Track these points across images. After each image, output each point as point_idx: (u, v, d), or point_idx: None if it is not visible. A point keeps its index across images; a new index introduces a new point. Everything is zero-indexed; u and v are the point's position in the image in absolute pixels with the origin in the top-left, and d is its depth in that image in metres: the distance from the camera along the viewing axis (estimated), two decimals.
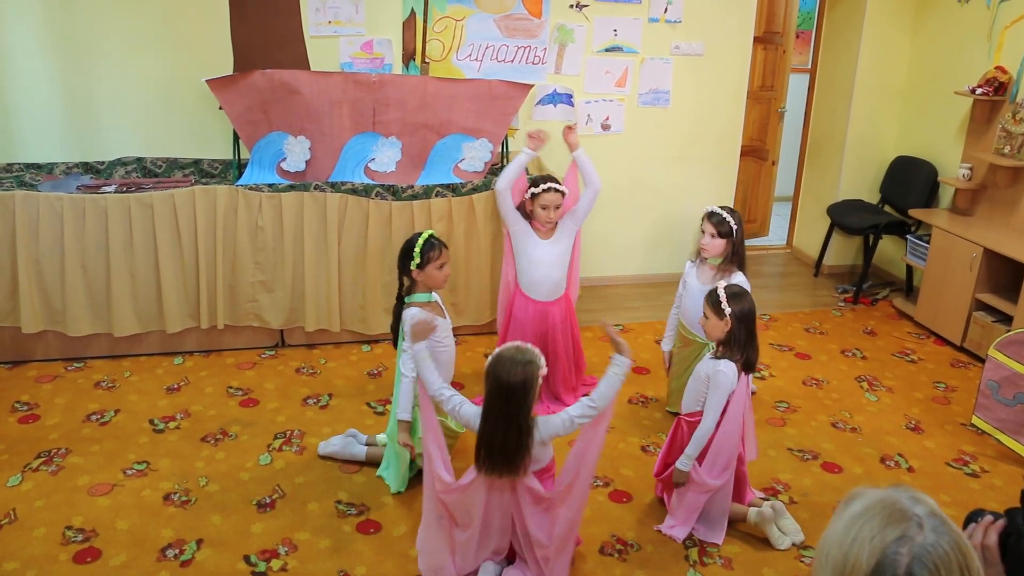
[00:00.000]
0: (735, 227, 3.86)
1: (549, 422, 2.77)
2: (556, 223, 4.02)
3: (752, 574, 3.08)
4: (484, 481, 2.79)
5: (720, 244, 3.88)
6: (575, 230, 4.09)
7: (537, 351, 2.74)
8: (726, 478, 3.20)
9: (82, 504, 3.31)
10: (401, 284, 3.42)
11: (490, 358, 2.73)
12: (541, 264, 4.01)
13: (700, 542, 3.23)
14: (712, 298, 3.21)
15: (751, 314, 3.17)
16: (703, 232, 3.92)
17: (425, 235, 3.36)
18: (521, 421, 2.68)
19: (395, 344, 3.47)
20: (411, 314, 3.27)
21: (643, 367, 4.67)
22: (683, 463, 3.18)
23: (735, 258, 3.90)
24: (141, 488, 3.43)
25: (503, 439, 2.68)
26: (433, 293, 3.45)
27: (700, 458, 3.19)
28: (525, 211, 4.01)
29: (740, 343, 3.14)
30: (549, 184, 3.89)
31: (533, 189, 3.92)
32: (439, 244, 3.38)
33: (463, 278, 4.76)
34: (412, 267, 3.32)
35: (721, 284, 3.26)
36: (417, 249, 3.31)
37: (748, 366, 3.17)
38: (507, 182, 3.96)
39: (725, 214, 3.87)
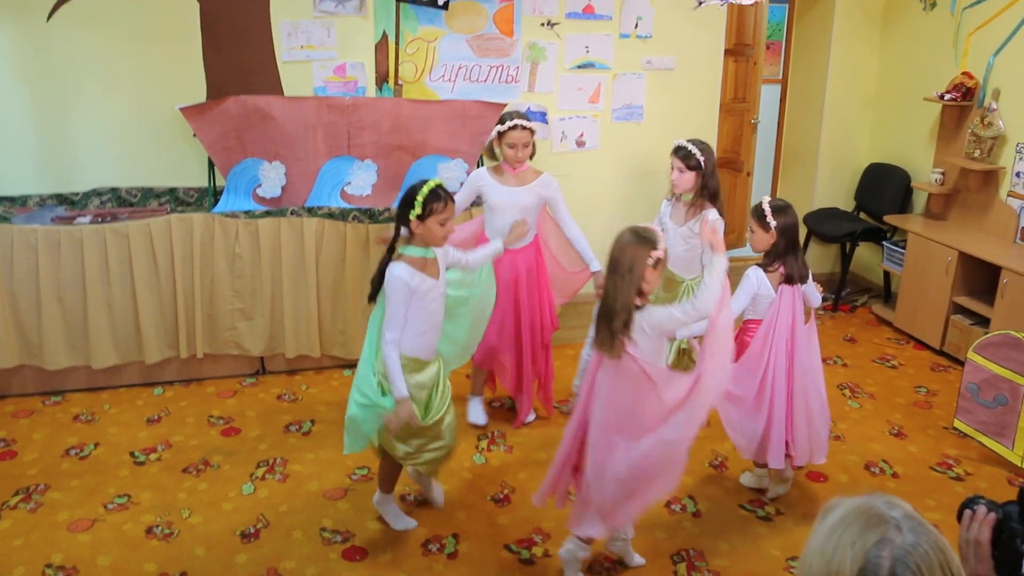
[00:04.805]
0: (702, 159, 3.81)
1: (651, 310, 2.78)
2: (527, 168, 3.83)
3: None
4: (596, 360, 2.87)
5: (689, 178, 3.83)
6: (547, 202, 3.88)
7: (657, 232, 2.78)
8: (749, 392, 3.38)
9: (62, 541, 3.26)
10: (396, 233, 3.10)
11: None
12: (507, 209, 3.78)
13: (688, 556, 3.22)
14: (757, 212, 3.35)
15: (795, 226, 3.37)
16: (672, 167, 3.87)
17: (432, 183, 3.01)
18: (624, 296, 2.71)
19: (372, 299, 3.12)
20: (396, 276, 2.99)
21: None
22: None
23: (705, 191, 3.84)
24: (123, 522, 3.38)
25: (609, 309, 2.74)
26: (432, 249, 3.10)
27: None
28: (493, 152, 3.85)
29: (780, 254, 3.34)
30: (516, 121, 3.71)
31: (499, 127, 3.75)
32: (445, 196, 3.02)
33: None
34: (412, 217, 2.98)
35: (765, 199, 3.37)
36: (420, 198, 2.96)
37: (789, 279, 3.35)
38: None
39: (691, 147, 3.81)
